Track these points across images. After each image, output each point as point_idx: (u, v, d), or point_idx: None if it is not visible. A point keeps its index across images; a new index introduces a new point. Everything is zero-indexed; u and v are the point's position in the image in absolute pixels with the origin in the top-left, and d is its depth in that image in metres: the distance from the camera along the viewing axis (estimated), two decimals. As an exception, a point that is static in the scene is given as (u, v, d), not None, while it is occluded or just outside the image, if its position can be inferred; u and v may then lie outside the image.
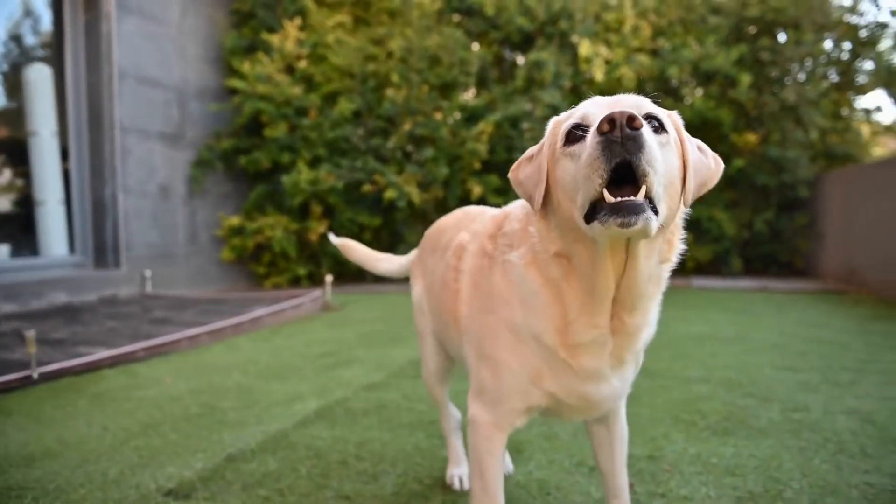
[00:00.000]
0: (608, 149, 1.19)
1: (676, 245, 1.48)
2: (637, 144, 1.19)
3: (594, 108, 1.36)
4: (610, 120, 1.19)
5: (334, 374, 4.02)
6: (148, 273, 7.82)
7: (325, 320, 6.21)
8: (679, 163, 1.38)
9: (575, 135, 1.35)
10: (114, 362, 4.30)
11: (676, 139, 1.40)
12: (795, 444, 2.66)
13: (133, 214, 7.74)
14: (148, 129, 7.99)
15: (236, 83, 8.93)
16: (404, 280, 9.02)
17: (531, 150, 1.55)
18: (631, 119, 1.18)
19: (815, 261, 9.33)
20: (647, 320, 1.51)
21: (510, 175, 1.57)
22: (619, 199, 1.20)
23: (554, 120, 1.49)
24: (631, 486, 2.27)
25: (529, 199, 1.48)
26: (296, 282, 9.26)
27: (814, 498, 2.14)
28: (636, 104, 1.36)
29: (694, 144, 1.47)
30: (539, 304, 1.51)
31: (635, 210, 1.19)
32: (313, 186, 8.72)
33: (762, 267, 9.85)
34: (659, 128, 1.34)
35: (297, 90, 9.03)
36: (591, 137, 1.23)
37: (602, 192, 1.21)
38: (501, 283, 1.61)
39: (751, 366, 4.05)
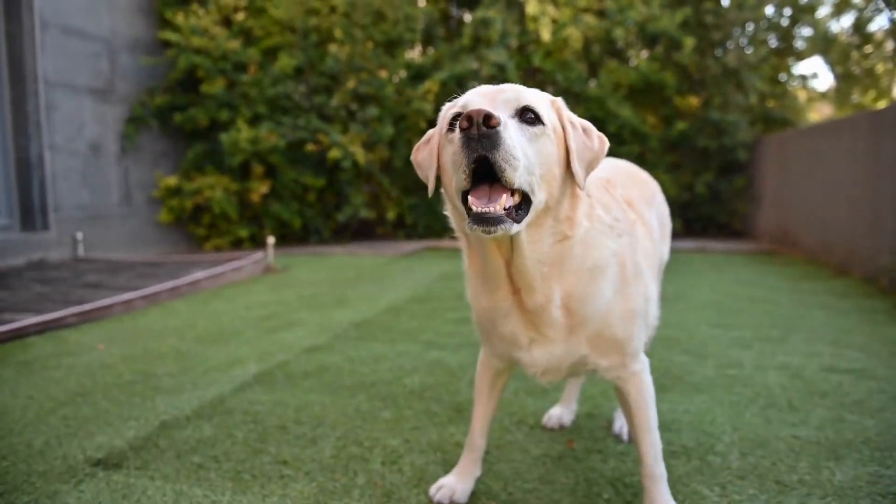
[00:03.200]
0: (467, 145, 1.28)
1: (579, 221, 1.53)
2: (492, 142, 1.27)
3: (475, 98, 1.44)
4: (468, 118, 1.27)
5: (275, 337, 3.94)
6: (79, 236, 7.48)
7: (266, 283, 6.08)
8: (558, 150, 1.46)
9: (455, 122, 1.40)
10: (42, 329, 4.10)
11: (558, 126, 1.47)
12: (728, 398, 2.74)
13: (61, 174, 7.34)
14: (75, 83, 7.54)
15: (170, 36, 8.49)
16: (349, 242, 8.90)
17: (429, 132, 1.62)
18: (487, 118, 1.26)
19: (752, 222, 9.63)
20: (552, 299, 1.55)
21: (412, 156, 1.65)
22: (480, 210, 1.31)
23: (445, 105, 1.55)
24: (569, 443, 2.30)
25: (426, 181, 1.58)
26: (237, 244, 9.02)
27: (744, 451, 2.21)
28: (514, 96, 1.43)
29: (579, 128, 1.53)
30: (469, 275, 1.69)
31: (493, 222, 1.31)
32: (254, 145, 8.44)
33: (701, 228, 10.12)
34: (535, 119, 1.41)
35: (234, 44, 8.65)
36: (456, 132, 1.32)
37: (469, 186, 1.33)
38: None
39: (689, 324, 4.15)
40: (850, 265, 6.15)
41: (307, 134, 8.64)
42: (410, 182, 9.37)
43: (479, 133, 1.27)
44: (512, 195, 1.34)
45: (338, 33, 8.86)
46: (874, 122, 5.96)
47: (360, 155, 8.56)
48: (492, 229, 1.31)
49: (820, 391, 2.82)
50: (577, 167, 1.47)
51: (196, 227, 9.05)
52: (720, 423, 2.47)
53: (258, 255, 6.91)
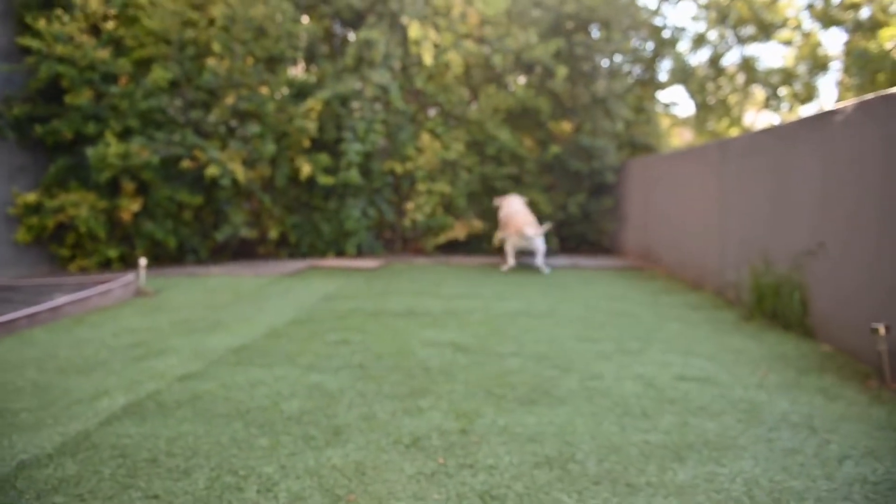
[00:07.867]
0: None
1: None
2: None
3: None
4: None
5: (145, 365, 3.78)
6: (-82, 257, 6.77)
7: (137, 307, 5.79)
8: None
9: None
10: None
11: None
12: (589, 409, 2.96)
13: None
14: (-86, 90, 6.86)
15: (30, 42, 7.93)
16: (229, 262, 8.61)
17: None
18: None
19: (619, 240, 10.31)
20: None
21: None
22: None
23: None
24: (440, 460, 2.41)
25: None
26: (106, 265, 8.51)
27: (600, 457, 2.42)
28: None
29: None
30: None
31: None
32: (124, 161, 8.03)
33: (574, 245, 10.70)
34: None
35: (104, 54, 8.22)
36: None
37: None
38: None
39: (558, 338, 4.41)
40: (703, 280, 6.76)
41: (183, 150, 8.34)
42: (293, 200, 9.25)
43: None
44: None
45: (216, 47, 8.63)
46: (721, 150, 6.61)
47: (240, 172, 8.37)
48: None
49: (669, 398, 3.11)
50: None
51: (59, 248, 8.44)
52: (580, 432, 2.67)
53: (128, 277, 6.57)
